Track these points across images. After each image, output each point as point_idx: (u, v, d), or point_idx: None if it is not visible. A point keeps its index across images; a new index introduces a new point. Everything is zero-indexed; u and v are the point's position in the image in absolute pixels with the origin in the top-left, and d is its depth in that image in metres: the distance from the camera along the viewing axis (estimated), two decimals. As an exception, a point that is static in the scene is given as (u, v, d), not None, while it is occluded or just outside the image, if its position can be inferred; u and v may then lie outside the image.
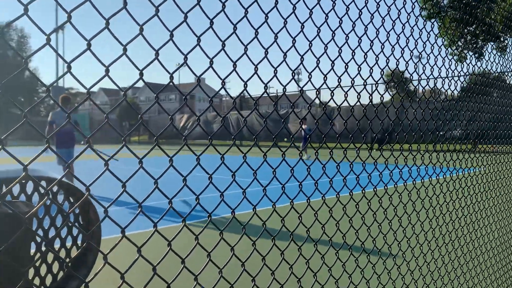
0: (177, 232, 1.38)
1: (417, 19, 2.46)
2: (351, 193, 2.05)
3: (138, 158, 1.25)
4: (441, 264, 2.90)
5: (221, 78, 1.48)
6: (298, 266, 1.86)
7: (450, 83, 2.88)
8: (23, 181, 1.33)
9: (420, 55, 2.51)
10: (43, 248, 1.42)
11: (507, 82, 4.30)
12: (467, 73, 3.24)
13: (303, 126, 18.29)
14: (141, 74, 1.24)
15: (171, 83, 1.33)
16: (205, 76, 62.60)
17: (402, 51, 2.34)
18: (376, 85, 2.10)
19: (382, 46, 2.20)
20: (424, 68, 2.56)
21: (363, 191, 2.12)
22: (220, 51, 1.45)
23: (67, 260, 1.48)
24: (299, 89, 1.82)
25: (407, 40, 2.39)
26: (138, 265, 1.27)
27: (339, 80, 1.93)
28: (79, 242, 1.58)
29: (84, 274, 1.51)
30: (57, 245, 1.53)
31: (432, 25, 2.79)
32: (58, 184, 1.42)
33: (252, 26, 1.56)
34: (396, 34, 2.29)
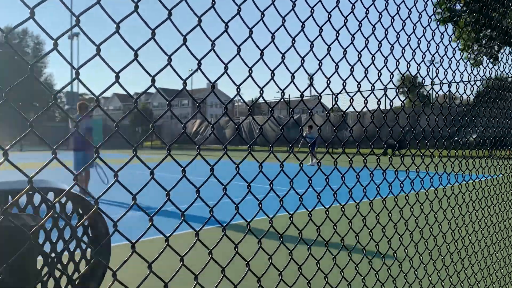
0: (188, 239, 1.31)
1: (438, 23, 2.37)
2: (371, 204, 1.96)
3: (150, 169, 1.19)
4: (464, 277, 2.79)
5: (236, 84, 1.41)
6: (316, 280, 1.77)
7: (472, 88, 2.78)
8: (30, 193, 1.28)
9: (442, 59, 2.42)
10: (50, 261, 1.36)
11: None
12: (489, 78, 3.13)
13: (304, 133, 18.08)
14: (153, 81, 1.18)
15: (184, 90, 1.27)
16: (217, 81, 62.81)
17: (423, 56, 2.25)
18: (397, 90, 2.01)
19: (403, 50, 2.11)
20: (445, 72, 2.46)
21: (384, 201, 2.03)
22: (235, 56, 1.38)
23: (76, 274, 1.42)
24: (317, 95, 1.74)
25: (428, 44, 2.29)
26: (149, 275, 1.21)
27: (359, 85, 1.85)
28: (88, 254, 1.52)
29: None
30: (66, 253, 1.47)
31: (454, 30, 2.69)
32: (67, 195, 1.36)
33: (268, 30, 1.49)
34: (417, 37, 2.20)
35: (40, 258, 1.36)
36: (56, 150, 1.02)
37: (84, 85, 1.10)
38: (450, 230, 2.56)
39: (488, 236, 3.09)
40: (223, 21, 1.34)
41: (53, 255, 1.39)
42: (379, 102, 1.98)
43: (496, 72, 3.30)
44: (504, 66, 3.45)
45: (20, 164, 1.01)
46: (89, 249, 1.54)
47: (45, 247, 1.40)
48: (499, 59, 3.50)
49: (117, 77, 1.10)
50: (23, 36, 58.45)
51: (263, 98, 1.51)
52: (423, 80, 2.24)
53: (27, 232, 0.98)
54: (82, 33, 1.12)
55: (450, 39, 2.48)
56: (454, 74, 2.53)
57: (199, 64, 1.28)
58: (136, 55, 1.13)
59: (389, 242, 2.08)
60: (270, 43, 1.49)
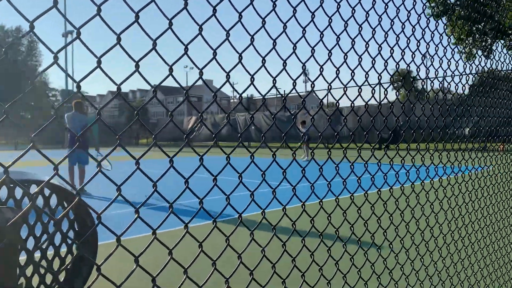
0: (178, 235, 1.26)
1: (432, 16, 2.32)
2: (366, 195, 1.92)
3: (135, 159, 1.14)
4: (461, 268, 2.76)
5: (225, 71, 1.36)
6: (310, 273, 1.73)
7: (467, 78, 2.74)
8: (11, 185, 1.23)
9: (436, 47, 2.38)
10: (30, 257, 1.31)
11: None
12: (483, 68, 3.09)
13: (301, 128, 17.97)
14: (137, 66, 1.13)
15: (170, 76, 1.22)
16: (212, 78, 62.61)
17: (418, 43, 2.20)
18: (392, 78, 1.96)
19: (397, 38, 2.06)
20: (440, 61, 2.42)
21: (379, 192, 1.99)
22: (224, 41, 1.33)
23: (60, 271, 1.37)
24: (310, 84, 1.69)
25: (423, 32, 2.25)
26: (138, 272, 1.16)
27: (353, 73, 1.80)
28: (75, 250, 1.47)
29: (79, 286, 1.40)
30: (51, 252, 1.42)
31: (448, 19, 2.65)
32: (51, 187, 1.31)
33: (259, 15, 1.44)
34: (412, 25, 2.16)
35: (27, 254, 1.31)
36: (34, 140, 0.97)
37: (64, 70, 1.05)
38: (447, 221, 2.53)
39: (484, 227, 3.06)
40: (211, 5, 1.29)
41: (37, 250, 1.34)
42: (373, 91, 1.94)
43: (491, 62, 3.27)
44: (499, 55, 3.41)
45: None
46: (75, 245, 1.49)
47: (30, 242, 1.35)
48: (493, 52, 3.47)
49: (99, 62, 1.05)
50: (17, 34, 57.92)
51: (254, 86, 1.46)
52: (418, 69, 2.20)
53: (3, 226, 0.93)
54: (62, 17, 1.07)
55: (445, 27, 2.43)
56: (449, 63, 2.48)
57: (186, 49, 1.23)
58: (119, 39, 1.08)
59: (385, 234, 2.05)
60: (260, 28, 1.44)
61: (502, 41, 22.68)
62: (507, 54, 3.61)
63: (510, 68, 3.63)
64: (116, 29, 1.09)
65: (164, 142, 37.89)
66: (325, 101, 33.76)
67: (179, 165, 1.23)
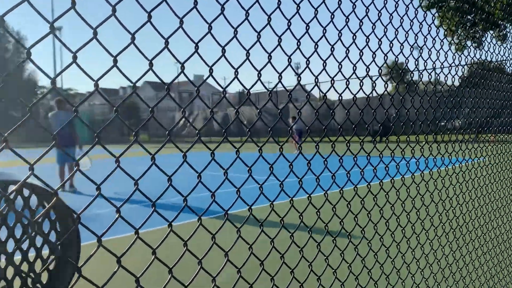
0: (161, 233, 1.23)
1: (421, 6, 2.30)
2: (355, 188, 1.90)
3: (115, 157, 1.11)
4: (452, 260, 2.76)
5: (208, 65, 1.32)
6: (300, 269, 1.71)
7: (456, 69, 2.72)
8: (-12, 186, 1.18)
9: (425, 39, 2.35)
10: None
11: (507, 71, 4.11)
12: (473, 59, 3.08)
13: (291, 123, 18.06)
14: (115, 61, 1.09)
15: (150, 71, 1.19)
16: (203, 73, 62.16)
17: (406, 35, 2.18)
18: (380, 70, 1.94)
19: (385, 29, 2.04)
20: (429, 52, 2.40)
21: (368, 186, 1.97)
22: (206, 34, 1.29)
23: (40, 273, 1.34)
24: (297, 76, 1.66)
25: (411, 23, 2.22)
26: (121, 272, 1.13)
27: (340, 66, 1.77)
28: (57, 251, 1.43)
29: (63, 285, 1.37)
30: (32, 254, 1.38)
31: (438, 10, 2.63)
32: (30, 188, 1.27)
33: (242, 7, 1.41)
34: (400, 16, 2.13)
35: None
36: (7, 138, 0.94)
37: (38, 66, 1.01)
38: (438, 213, 2.52)
39: (475, 218, 3.06)
40: (192, -3, 1.25)
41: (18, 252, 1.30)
42: (361, 83, 1.91)
43: (481, 53, 3.26)
44: (488, 46, 3.40)
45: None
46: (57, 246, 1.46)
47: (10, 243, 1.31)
48: (483, 43, 3.47)
49: (75, 57, 1.02)
50: (3, 32, 57.20)
51: (238, 79, 1.43)
52: (407, 60, 2.18)
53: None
54: (35, 11, 1.03)
55: (434, 17, 2.41)
56: (438, 54, 2.46)
57: (166, 43, 1.19)
58: (95, 33, 1.04)
59: (375, 228, 2.03)
60: (244, 21, 1.40)
61: (491, 32, 22.76)
62: (496, 45, 3.60)
63: (500, 59, 3.62)
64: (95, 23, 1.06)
65: (159, 138, 37.65)
66: (317, 95, 33.74)
67: (175, 161, 1.19)
